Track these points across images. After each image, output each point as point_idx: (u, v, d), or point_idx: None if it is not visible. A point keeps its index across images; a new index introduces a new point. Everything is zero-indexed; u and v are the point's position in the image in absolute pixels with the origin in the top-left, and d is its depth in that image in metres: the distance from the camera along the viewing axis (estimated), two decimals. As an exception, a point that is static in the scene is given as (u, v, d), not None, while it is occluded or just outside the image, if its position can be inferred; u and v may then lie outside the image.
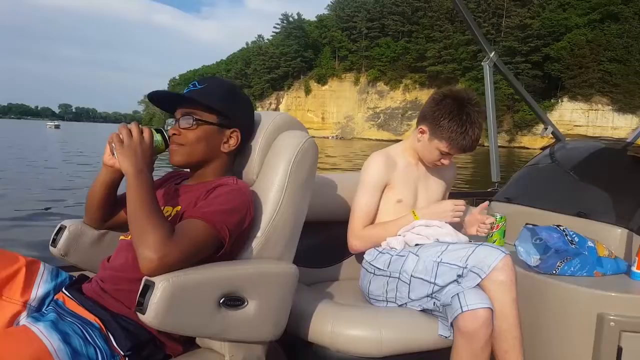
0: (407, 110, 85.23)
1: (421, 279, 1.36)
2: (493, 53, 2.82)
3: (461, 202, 1.56)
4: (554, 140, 2.87)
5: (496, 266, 1.26)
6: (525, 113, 61.29)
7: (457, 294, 1.25)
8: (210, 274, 1.01)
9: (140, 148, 1.05)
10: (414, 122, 1.64)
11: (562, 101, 71.40)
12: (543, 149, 2.53)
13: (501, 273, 1.26)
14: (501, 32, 76.31)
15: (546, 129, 2.95)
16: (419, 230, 1.52)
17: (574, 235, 1.60)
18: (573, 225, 1.66)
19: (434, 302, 1.34)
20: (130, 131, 1.06)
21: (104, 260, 1.17)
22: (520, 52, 71.61)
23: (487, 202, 1.65)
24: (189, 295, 0.95)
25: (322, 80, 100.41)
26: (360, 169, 1.64)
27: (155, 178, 1.14)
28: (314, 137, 1.30)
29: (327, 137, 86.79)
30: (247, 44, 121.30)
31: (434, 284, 1.33)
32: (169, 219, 1.10)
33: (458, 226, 1.59)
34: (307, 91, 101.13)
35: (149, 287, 0.91)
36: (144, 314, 0.91)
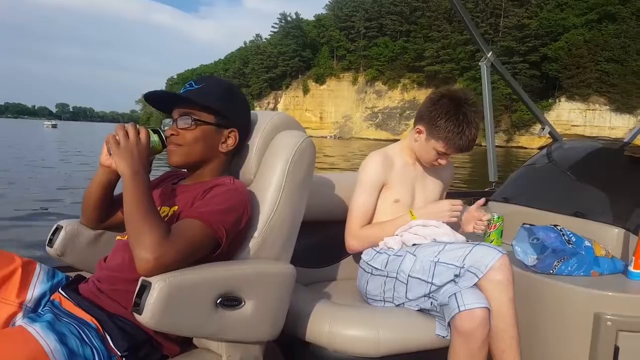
0: (405, 110, 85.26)
1: (418, 278, 1.37)
2: (490, 53, 2.82)
3: (458, 201, 1.56)
4: (551, 140, 2.88)
5: (493, 266, 1.26)
6: (523, 113, 61.39)
7: (455, 293, 1.25)
8: (207, 274, 1.00)
9: (136, 149, 1.04)
10: (412, 121, 1.64)
11: (559, 101, 71.55)
12: (541, 148, 2.53)
13: (498, 273, 1.26)
14: (499, 32, 76.40)
15: (543, 128, 2.96)
16: (416, 230, 1.52)
17: (571, 235, 1.60)
18: (570, 225, 1.67)
19: (432, 302, 1.34)
20: (126, 132, 1.05)
21: (101, 261, 1.17)
22: (518, 52, 71.71)
23: (483, 199, 1.65)
24: (185, 295, 0.95)
25: (320, 80, 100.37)
26: (358, 168, 1.65)
27: (152, 178, 1.13)
28: (312, 136, 1.29)
29: (326, 137, 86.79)
30: (245, 43, 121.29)
31: (432, 283, 1.33)
32: (166, 219, 1.09)
33: (455, 226, 1.59)
34: (305, 91, 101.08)
35: (145, 287, 0.91)
36: (140, 314, 0.90)
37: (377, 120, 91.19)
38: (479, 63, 2.91)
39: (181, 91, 1.18)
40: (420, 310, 1.38)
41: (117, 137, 1.05)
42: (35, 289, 1.10)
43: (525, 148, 56.60)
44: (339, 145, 51.16)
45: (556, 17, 72.93)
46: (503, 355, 1.28)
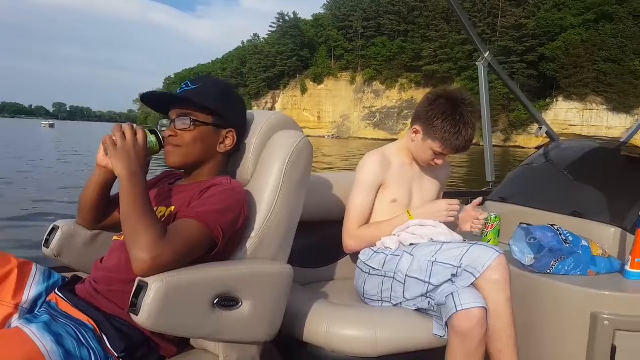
0: (403, 110, 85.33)
1: (416, 278, 1.37)
2: (488, 53, 2.83)
3: (455, 201, 1.56)
4: (548, 139, 2.88)
5: (490, 265, 1.26)
6: (520, 112, 61.54)
7: (452, 293, 1.25)
8: (204, 274, 1.00)
9: (133, 150, 1.03)
10: (410, 121, 1.64)
11: (557, 101, 71.70)
12: (538, 148, 2.54)
13: (495, 272, 1.27)
14: (497, 31, 76.50)
15: (540, 128, 2.97)
16: (413, 230, 1.52)
17: (568, 235, 1.60)
18: (567, 225, 1.67)
19: (429, 302, 1.34)
20: (123, 133, 1.04)
21: (97, 261, 1.16)
22: (516, 51, 71.83)
23: (480, 198, 1.65)
24: (182, 295, 0.95)
25: (318, 80, 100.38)
26: (356, 168, 1.64)
27: (148, 178, 1.13)
28: (310, 136, 1.29)
29: (324, 137, 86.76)
30: (242, 43, 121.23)
31: (429, 283, 1.33)
32: (163, 219, 1.09)
33: (453, 225, 1.60)
34: (303, 90, 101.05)
35: (142, 287, 0.91)
36: (137, 315, 0.90)
37: (375, 119, 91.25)
38: (477, 63, 2.91)
39: (178, 91, 1.18)
40: (418, 310, 1.38)
41: (114, 138, 1.04)
42: (32, 290, 1.09)
43: (523, 148, 56.76)
44: (337, 144, 51.17)
45: (553, 17, 73.10)
46: (500, 355, 1.28)
